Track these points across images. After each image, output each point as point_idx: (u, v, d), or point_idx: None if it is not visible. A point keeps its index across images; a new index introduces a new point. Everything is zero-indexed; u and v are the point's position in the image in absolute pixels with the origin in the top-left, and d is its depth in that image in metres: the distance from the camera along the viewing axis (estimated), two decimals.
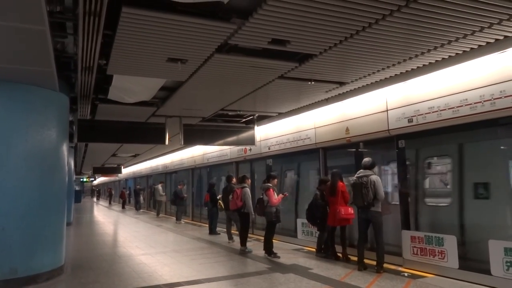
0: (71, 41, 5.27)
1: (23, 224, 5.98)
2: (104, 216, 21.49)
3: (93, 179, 51.45)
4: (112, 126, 8.76)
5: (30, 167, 6.14)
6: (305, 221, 8.64)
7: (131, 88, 6.60)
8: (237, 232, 9.42)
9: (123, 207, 28.51)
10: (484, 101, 5.25)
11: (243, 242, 8.58)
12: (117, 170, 26.59)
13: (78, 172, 29.90)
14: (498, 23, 4.15)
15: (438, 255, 5.90)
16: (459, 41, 4.63)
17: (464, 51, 5.01)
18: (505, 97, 5.00)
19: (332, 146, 8.37)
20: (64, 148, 6.93)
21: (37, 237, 6.14)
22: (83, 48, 4.54)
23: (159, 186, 19.73)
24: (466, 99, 5.49)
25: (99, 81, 6.30)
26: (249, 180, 8.98)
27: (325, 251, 7.61)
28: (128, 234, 12.67)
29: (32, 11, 3.61)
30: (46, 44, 4.39)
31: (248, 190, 8.57)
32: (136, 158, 21.47)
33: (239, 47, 4.81)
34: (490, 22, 4.14)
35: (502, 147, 5.70)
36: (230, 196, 9.14)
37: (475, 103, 5.37)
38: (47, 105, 6.45)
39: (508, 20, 4.07)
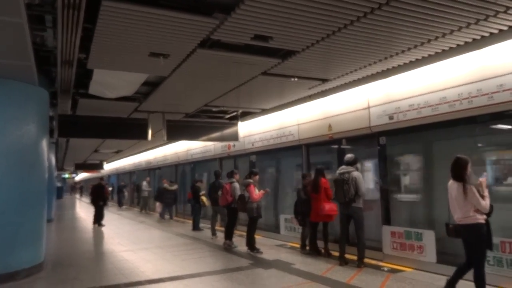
0: (50, 34, 5.15)
1: (1, 221, 5.85)
2: (86, 213, 21.15)
3: (75, 175, 50.58)
4: (93, 122, 8.59)
5: (8, 162, 6.01)
6: (288, 216, 8.69)
7: (112, 83, 6.51)
8: (221, 228, 9.41)
9: (105, 204, 28.07)
10: (462, 99, 5.36)
11: (229, 237, 8.57)
12: (100, 166, 26.24)
13: (60, 168, 29.35)
14: (476, 23, 4.23)
15: (417, 250, 6.00)
16: (438, 40, 4.71)
17: (443, 50, 5.09)
18: (482, 95, 5.11)
19: (315, 143, 8.42)
20: (44, 143, 6.80)
21: (16, 233, 6.02)
22: (63, 42, 4.46)
23: (144, 182, 19.60)
24: (445, 97, 5.58)
25: (79, 76, 6.19)
26: (238, 175, 8.97)
27: (310, 249, 7.57)
28: (110, 231, 12.52)
29: (9, 3, 3.52)
30: (24, 37, 4.30)
31: (237, 184, 8.57)
32: (118, 154, 21.21)
33: (222, 42, 4.79)
34: (468, 22, 4.22)
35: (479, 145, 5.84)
36: (220, 192, 9.12)
37: (453, 101, 5.47)
38: (26, 99, 6.31)
39: (485, 20, 4.15)
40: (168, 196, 15.26)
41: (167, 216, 15.54)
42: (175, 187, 15.43)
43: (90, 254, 8.28)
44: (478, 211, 4.26)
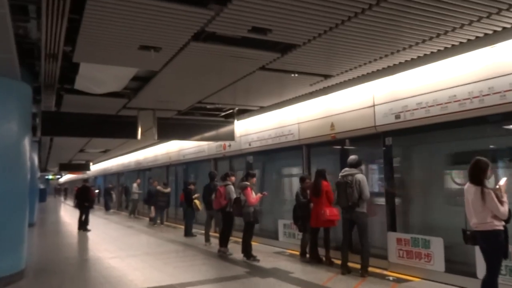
0: (34, 25, 5.14)
1: None
2: (71, 217, 21.09)
3: (59, 176, 50.40)
4: (79, 119, 8.60)
5: None
6: (287, 222, 8.67)
7: (99, 77, 6.49)
8: (216, 234, 9.39)
9: (91, 207, 28.02)
10: (473, 97, 5.36)
11: (225, 243, 8.55)
12: (86, 167, 26.21)
13: (43, 168, 29.29)
14: (487, 17, 4.24)
15: (425, 258, 6.00)
16: (448, 34, 4.70)
17: (453, 45, 5.09)
18: (494, 94, 5.12)
19: (316, 143, 8.41)
20: (26, 142, 6.78)
21: None
22: (47, 33, 4.44)
23: (134, 184, 19.60)
24: (455, 96, 5.59)
25: (65, 70, 6.16)
26: (233, 177, 8.95)
27: (311, 256, 7.53)
28: (96, 236, 12.50)
29: None
30: (6, 28, 4.28)
31: (232, 187, 8.54)
32: (106, 154, 21.16)
33: (217, 35, 4.76)
34: (479, 16, 4.22)
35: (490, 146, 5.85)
36: (213, 195, 9.10)
37: (463, 99, 5.48)
38: (7, 95, 6.30)
39: (497, 14, 4.15)
40: (162, 199, 15.30)
41: (158, 221, 15.58)
42: (168, 189, 15.46)
43: (74, 261, 8.26)
44: (496, 217, 4.22)
